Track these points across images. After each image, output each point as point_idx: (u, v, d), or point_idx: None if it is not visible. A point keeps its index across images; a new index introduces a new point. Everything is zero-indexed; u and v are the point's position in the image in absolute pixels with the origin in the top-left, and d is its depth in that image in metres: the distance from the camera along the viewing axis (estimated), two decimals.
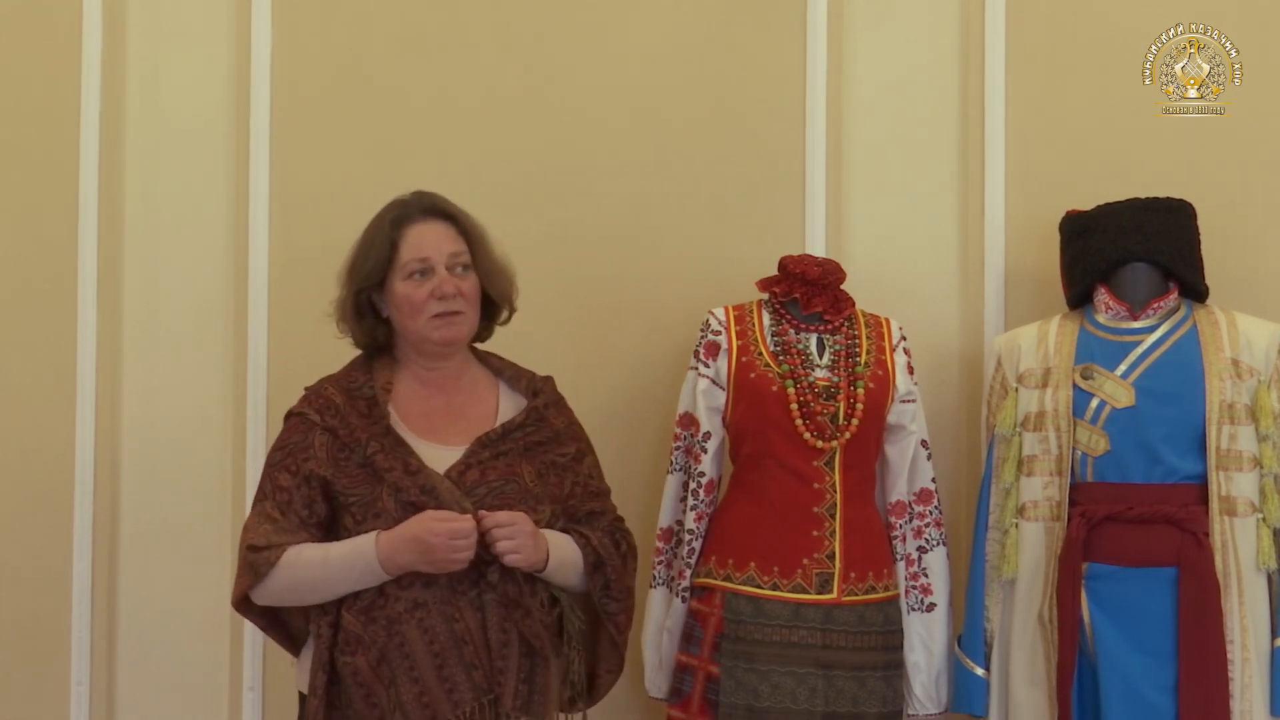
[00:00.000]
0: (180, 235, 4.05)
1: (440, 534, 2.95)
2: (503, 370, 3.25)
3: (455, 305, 3.10)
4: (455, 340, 3.15)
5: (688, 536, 3.57)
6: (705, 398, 3.58)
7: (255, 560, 3.03)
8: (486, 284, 3.18)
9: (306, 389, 3.20)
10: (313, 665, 3.08)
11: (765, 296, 3.65)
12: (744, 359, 3.55)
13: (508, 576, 3.03)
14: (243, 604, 3.14)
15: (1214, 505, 3.42)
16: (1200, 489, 3.43)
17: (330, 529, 3.10)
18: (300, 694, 3.17)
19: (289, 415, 3.18)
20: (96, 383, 4.00)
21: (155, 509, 4.01)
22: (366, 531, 3.03)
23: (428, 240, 3.11)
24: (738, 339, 3.58)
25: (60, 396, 4.01)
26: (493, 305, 3.22)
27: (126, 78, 4.06)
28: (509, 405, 3.20)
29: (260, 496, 3.13)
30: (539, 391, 3.22)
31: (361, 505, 3.05)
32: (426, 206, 3.16)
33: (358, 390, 3.13)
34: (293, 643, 3.24)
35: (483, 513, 3.01)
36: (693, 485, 3.57)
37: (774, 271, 3.65)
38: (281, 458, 3.12)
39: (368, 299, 3.16)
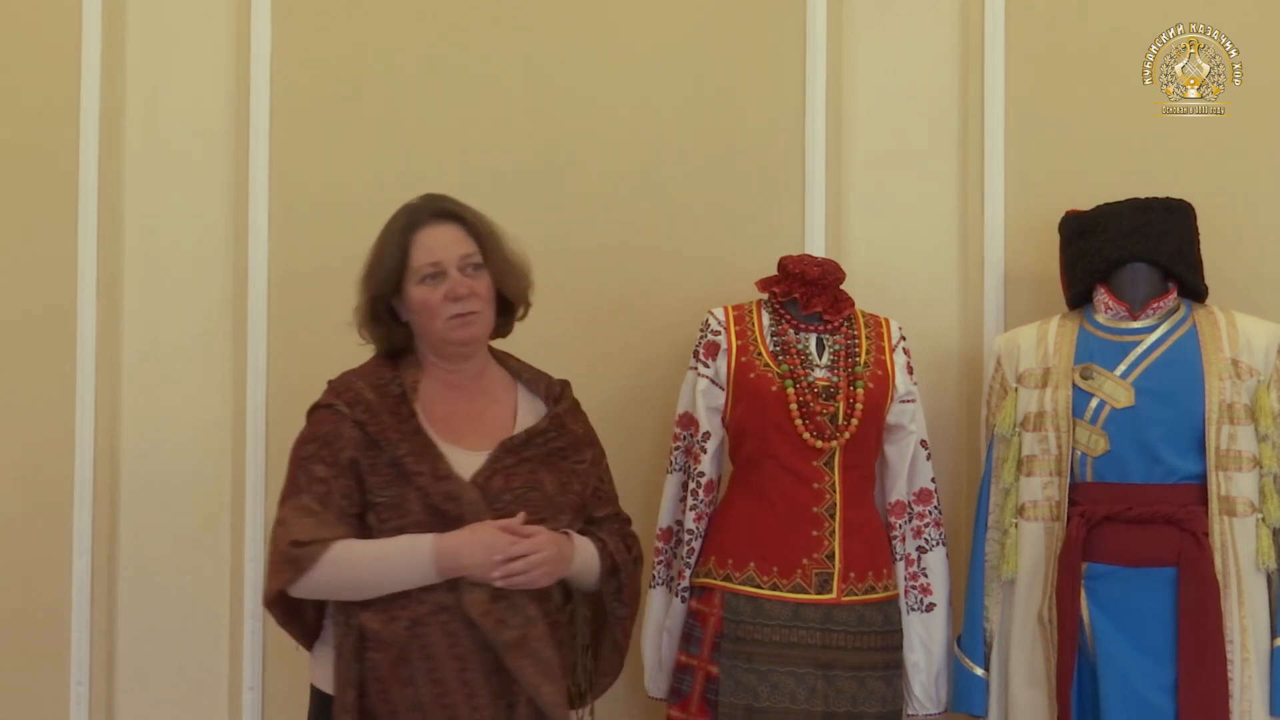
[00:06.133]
0: (180, 241, 4.04)
1: (502, 551, 2.97)
2: (521, 372, 3.26)
3: (471, 305, 3.11)
4: (474, 340, 3.16)
5: (687, 536, 3.57)
6: (705, 398, 3.58)
7: (298, 555, 2.96)
8: (499, 282, 3.18)
9: (331, 382, 3.15)
10: (343, 661, 3.03)
11: (765, 297, 3.65)
12: (743, 359, 3.55)
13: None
14: (276, 599, 3.07)
15: (1213, 505, 3.42)
16: (1200, 489, 3.43)
17: (363, 521, 3.06)
18: (313, 688, 3.15)
19: (315, 408, 3.12)
20: (96, 385, 4.00)
21: (155, 509, 4.00)
22: (390, 532, 3.02)
23: (439, 243, 3.11)
24: (737, 339, 3.58)
25: (61, 398, 4.00)
26: (508, 302, 3.22)
27: (126, 85, 4.05)
28: (527, 408, 3.21)
29: (293, 490, 3.05)
30: (560, 397, 3.23)
31: (389, 506, 3.03)
32: (435, 210, 3.16)
33: (385, 387, 3.10)
34: (307, 637, 3.19)
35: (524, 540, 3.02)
36: (692, 485, 3.57)
37: (774, 272, 3.65)
38: (315, 449, 3.06)
39: (386, 305, 3.16)
